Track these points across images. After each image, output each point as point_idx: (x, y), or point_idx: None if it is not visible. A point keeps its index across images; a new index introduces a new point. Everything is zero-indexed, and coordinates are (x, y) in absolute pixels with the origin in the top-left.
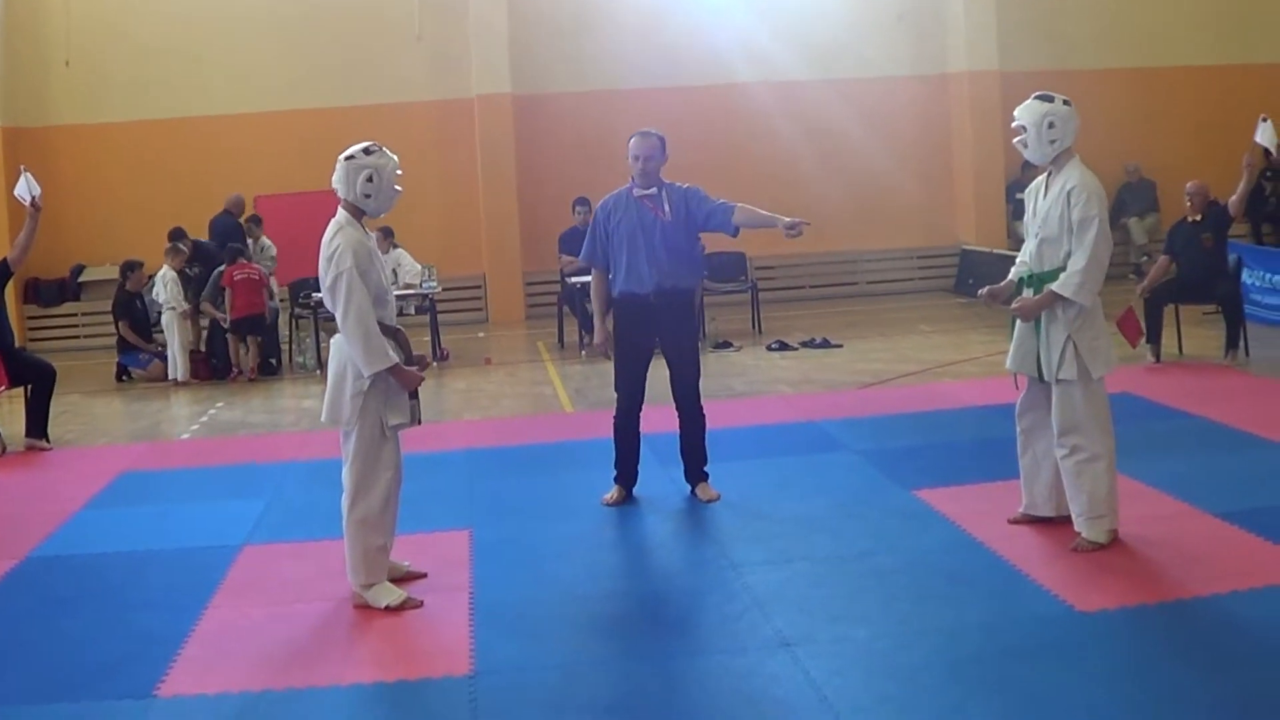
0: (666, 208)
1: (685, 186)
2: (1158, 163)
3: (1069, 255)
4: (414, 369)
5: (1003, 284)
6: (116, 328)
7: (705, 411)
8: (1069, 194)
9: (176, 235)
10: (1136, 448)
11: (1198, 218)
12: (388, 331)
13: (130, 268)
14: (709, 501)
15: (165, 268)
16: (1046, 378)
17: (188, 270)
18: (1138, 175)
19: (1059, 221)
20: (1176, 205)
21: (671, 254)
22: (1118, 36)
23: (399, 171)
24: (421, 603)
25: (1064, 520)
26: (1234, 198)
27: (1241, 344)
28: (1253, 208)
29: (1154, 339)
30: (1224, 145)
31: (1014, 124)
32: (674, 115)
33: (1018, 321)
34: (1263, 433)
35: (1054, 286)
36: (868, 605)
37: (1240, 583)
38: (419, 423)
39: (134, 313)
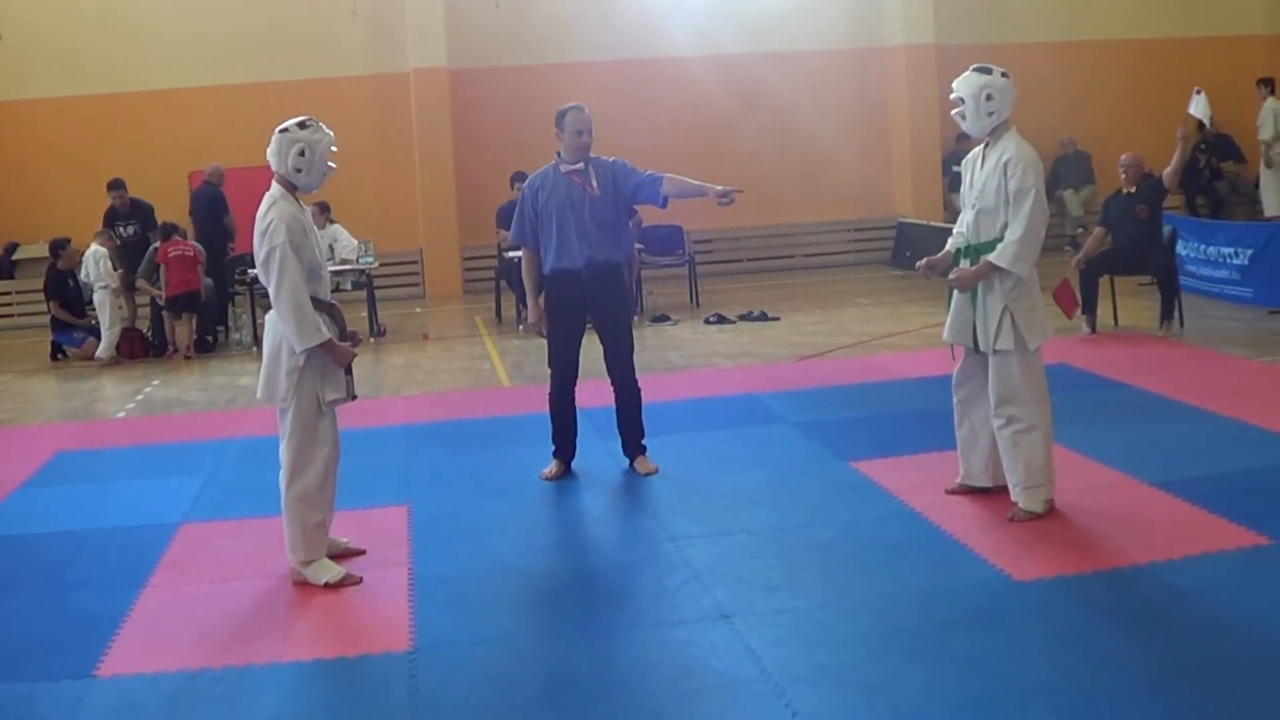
0: (594, 183)
1: (611, 160)
2: (1093, 135)
3: (1005, 226)
4: (347, 345)
5: (940, 255)
6: (48, 307)
7: (642, 385)
8: (1005, 165)
9: (116, 185)
10: (1073, 418)
11: (1132, 190)
12: (321, 307)
13: (60, 246)
14: (647, 475)
15: (94, 245)
16: (983, 348)
17: (121, 229)
18: (1073, 148)
19: (996, 193)
20: (1111, 177)
21: (601, 229)
22: (1054, 10)
23: (334, 148)
24: (361, 579)
25: (1001, 490)
26: (1168, 170)
27: (1176, 315)
28: (1187, 180)
29: (1089, 310)
30: (1158, 118)
31: (952, 96)
32: (611, 89)
33: (954, 292)
34: (1197, 403)
35: (991, 257)
36: (806, 576)
37: (1176, 551)
38: (355, 398)
39: (65, 292)
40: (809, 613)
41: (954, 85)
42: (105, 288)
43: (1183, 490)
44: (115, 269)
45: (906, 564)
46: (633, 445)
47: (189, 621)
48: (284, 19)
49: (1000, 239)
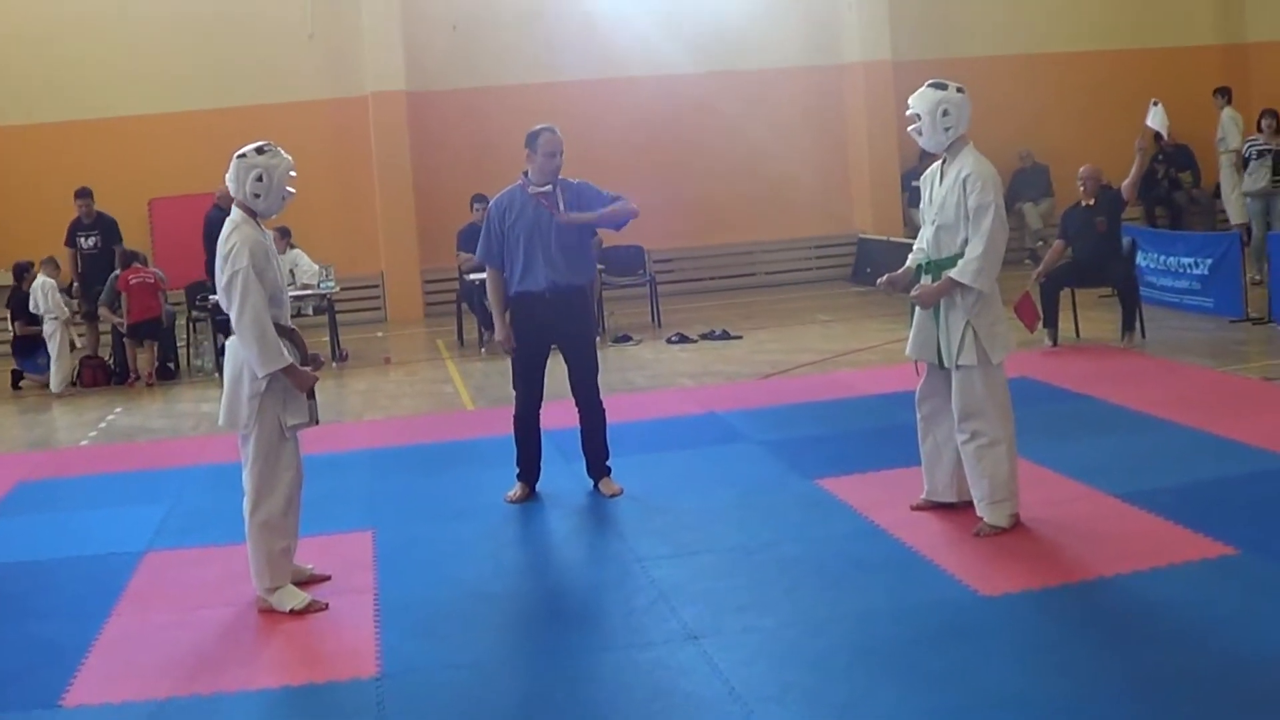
0: (561, 205)
1: (577, 182)
2: (1050, 148)
3: (966, 242)
4: (308, 369)
5: (901, 271)
6: (13, 329)
7: (606, 406)
8: (964, 181)
9: (83, 194)
10: (1036, 431)
11: (1091, 202)
12: (283, 332)
13: (24, 269)
14: (612, 496)
15: (41, 277)
16: (946, 364)
17: (83, 240)
18: (1031, 161)
19: (955, 208)
20: (1070, 190)
21: (567, 252)
22: (1009, 23)
23: (293, 173)
24: (327, 605)
25: (966, 506)
26: (1127, 181)
27: (1138, 326)
28: (1145, 190)
29: (1051, 323)
30: (1115, 129)
31: (908, 112)
32: (570, 110)
33: (916, 308)
34: (1160, 413)
35: (952, 273)
36: (773, 595)
37: (1141, 563)
38: (317, 422)
39: (30, 312)
40: (777, 631)
41: (910, 101)
42: (55, 319)
43: (1148, 501)
44: (71, 295)
45: (873, 581)
46: (597, 466)
47: (155, 650)
48: (241, 44)
49: (961, 254)
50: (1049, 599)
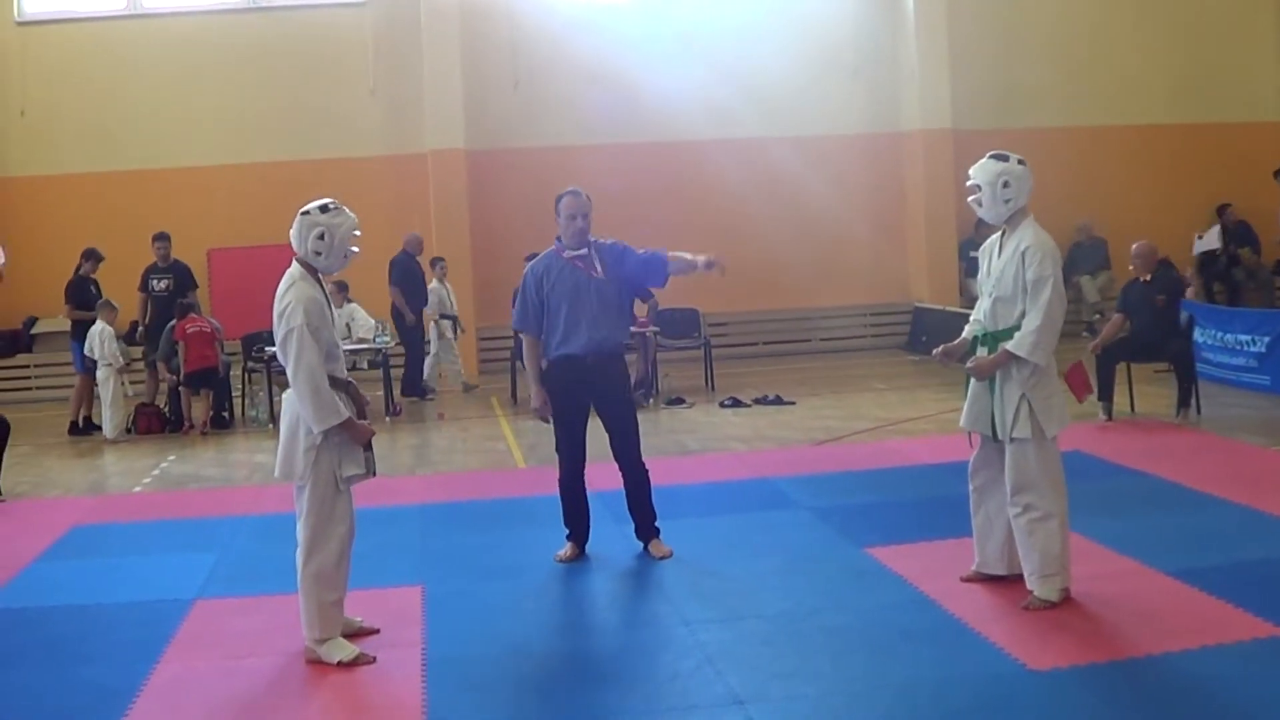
0: (598, 266)
1: (610, 242)
2: (1109, 221)
3: (1023, 314)
4: (366, 422)
5: (957, 342)
6: (66, 310)
7: (657, 468)
8: (1024, 254)
9: (161, 237)
10: (1089, 506)
11: (1147, 278)
12: (339, 384)
13: (88, 256)
14: (661, 558)
15: (100, 324)
16: (1000, 436)
17: (155, 282)
18: (1088, 234)
19: (1013, 281)
20: (1128, 263)
21: (606, 312)
22: (1069, 96)
23: (357, 232)
24: (374, 658)
25: (1016, 578)
26: (1189, 289)
27: (1193, 402)
28: (1204, 266)
29: (1106, 397)
30: (1175, 202)
31: (969, 183)
32: (628, 171)
33: (971, 380)
34: (1214, 491)
35: (1009, 346)
36: (819, 663)
37: (1192, 641)
38: (373, 474)
39: (85, 295)
40: (821, 699)
41: (971, 172)
42: (109, 366)
43: (1198, 579)
44: (136, 340)
45: (920, 651)
46: (646, 528)
47: (202, 698)
48: (303, 99)
49: (1018, 327)
50: (1097, 675)
